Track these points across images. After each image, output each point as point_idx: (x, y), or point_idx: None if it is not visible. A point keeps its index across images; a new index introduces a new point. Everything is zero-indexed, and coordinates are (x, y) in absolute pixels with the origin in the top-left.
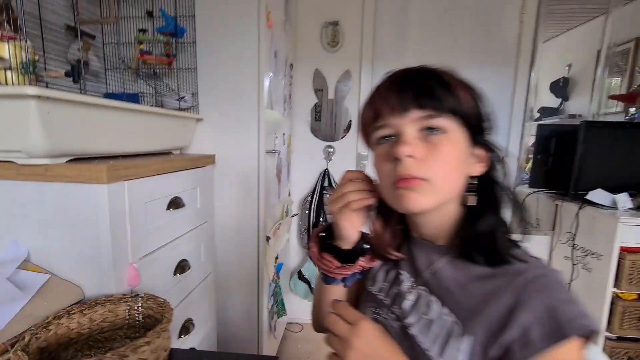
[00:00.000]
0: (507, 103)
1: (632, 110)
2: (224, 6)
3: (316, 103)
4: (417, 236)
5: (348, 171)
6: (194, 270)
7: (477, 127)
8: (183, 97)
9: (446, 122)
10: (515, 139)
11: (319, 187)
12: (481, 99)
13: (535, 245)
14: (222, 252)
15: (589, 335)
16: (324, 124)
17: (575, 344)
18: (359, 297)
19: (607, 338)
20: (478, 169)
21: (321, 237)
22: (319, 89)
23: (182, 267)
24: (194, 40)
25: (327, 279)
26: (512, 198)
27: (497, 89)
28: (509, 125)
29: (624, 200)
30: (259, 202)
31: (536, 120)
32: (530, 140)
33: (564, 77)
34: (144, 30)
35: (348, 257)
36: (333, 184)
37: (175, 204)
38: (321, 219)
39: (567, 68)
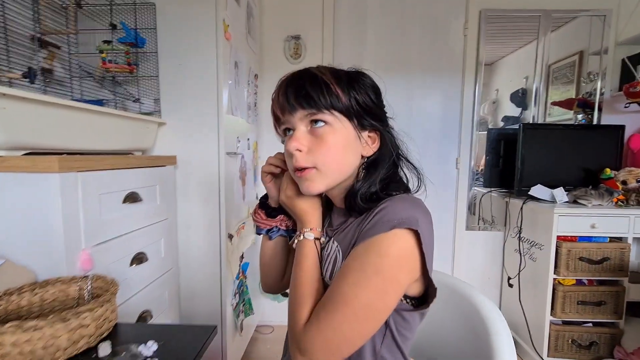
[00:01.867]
0: (457, 112)
1: (579, 116)
2: (184, 20)
3: None
4: (334, 204)
5: (278, 153)
6: (153, 263)
7: (362, 115)
8: (138, 100)
9: (327, 117)
10: (465, 146)
11: None
12: (362, 90)
13: (490, 240)
14: (186, 248)
15: (416, 233)
16: None
17: (397, 233)
18: None
19: (552, 322)
20: (371, 149)
21: (262, 198)
22: None
23: (139, 259)
24: (155, 50)
25: (257, 229)
26: (406, 160)
27: (448, 98)
28: (459, 133)
29: (560, 194)
30: (219, 200)
31: (501, 128)
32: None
33: (522, 88)
34: (108, 42)
35: (274, 213)
36: None
37: (131, 198)
38: None
39: (524, 80)
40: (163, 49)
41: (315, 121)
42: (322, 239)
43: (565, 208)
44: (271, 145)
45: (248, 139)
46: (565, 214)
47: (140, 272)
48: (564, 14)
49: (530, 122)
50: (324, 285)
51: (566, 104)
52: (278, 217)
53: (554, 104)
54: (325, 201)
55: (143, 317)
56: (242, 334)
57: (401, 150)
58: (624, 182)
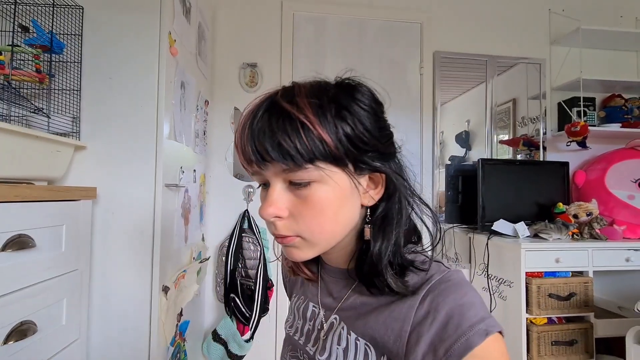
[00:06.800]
0: (417, 149)
1: (519, 156)
2: (119, 28)
3: None
4: (326, 262)
5: None
6: (47, 335)
7: (359, 155)
8: (39, 110)
9: (311, 173)
10: (427, 183)
11: (237, 230)
12: (357, 119)
13: None
14: (102, 310)
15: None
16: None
17: (485, 347)
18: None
19: None
20: (374, 197)
21: None
22: None
23: (21, 331)
24: (78, 59)
25: None
26: (420, 201)
27: (407, 135)
28: (420, 170)
29: (522, 229)
30: (153, 242)
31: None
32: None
33: (465, 131)
34: (17, 46)
35: None
36: (253, 226)
37: (17, 244)
38: (240, 265)
39: (466, 123)
40: (88, 58)
41: (297, 184)
42: (320, 314)
43: (530, 243)
44: (222, 179)
45: (194, 171)
46: (532, 249)
47: (23, 351)
48: (507, 60)
49: (473, 161)
50: None
51: (513, 142)
52: None
53: (502, 142)
54: None
55: None
56: None
57: (410, 186)
58: (575, 216)
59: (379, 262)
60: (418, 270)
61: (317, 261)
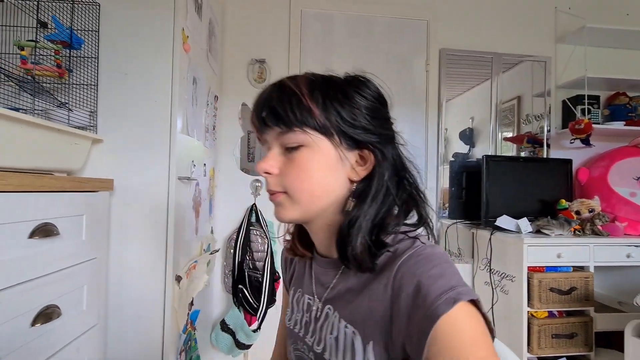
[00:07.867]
0: (422, 145)
1: (522, 154)
2: (135, 25)
3: (248, 144)
4: (317, 252)
5: None
6: (69, 319)
7: (346, 131)
8: (64, 104)
9: (300, 136)
10: (432, 179)
11: (245, 223)
12: (350, 102)
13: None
14: (119, 296)
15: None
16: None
17: (454, 315)
18: None
19: None
20: (361, 172)
21: None
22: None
23: (47, 315)
24: (95, 55)
25: None
26: (410, 186)
27: (413, 131)
28: (425, 166)
29: (525, 224)
30: (167, 234)
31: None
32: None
33: (469, 128)
34: (35, 42)
35: None
36: (261, 220)
37: (44, 231)
38: (247, 257)
39: (470, 120)
40: (105, 54)
41: (290, 148)
42: (316, 305)
43: (532, 238)
44: (230, 173)
45: (204, 165)
46: (534, 244)
47: (49, 333)
48: (512, 58)
49: (477, 158)
50: None
51: (517, 139)
52: None
53: (507, 139)
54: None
55: None
56: None
57: (407, 173)
58: (577, 213)
59: (350, 232)
60: (390, 252)
61: (311, 246)
